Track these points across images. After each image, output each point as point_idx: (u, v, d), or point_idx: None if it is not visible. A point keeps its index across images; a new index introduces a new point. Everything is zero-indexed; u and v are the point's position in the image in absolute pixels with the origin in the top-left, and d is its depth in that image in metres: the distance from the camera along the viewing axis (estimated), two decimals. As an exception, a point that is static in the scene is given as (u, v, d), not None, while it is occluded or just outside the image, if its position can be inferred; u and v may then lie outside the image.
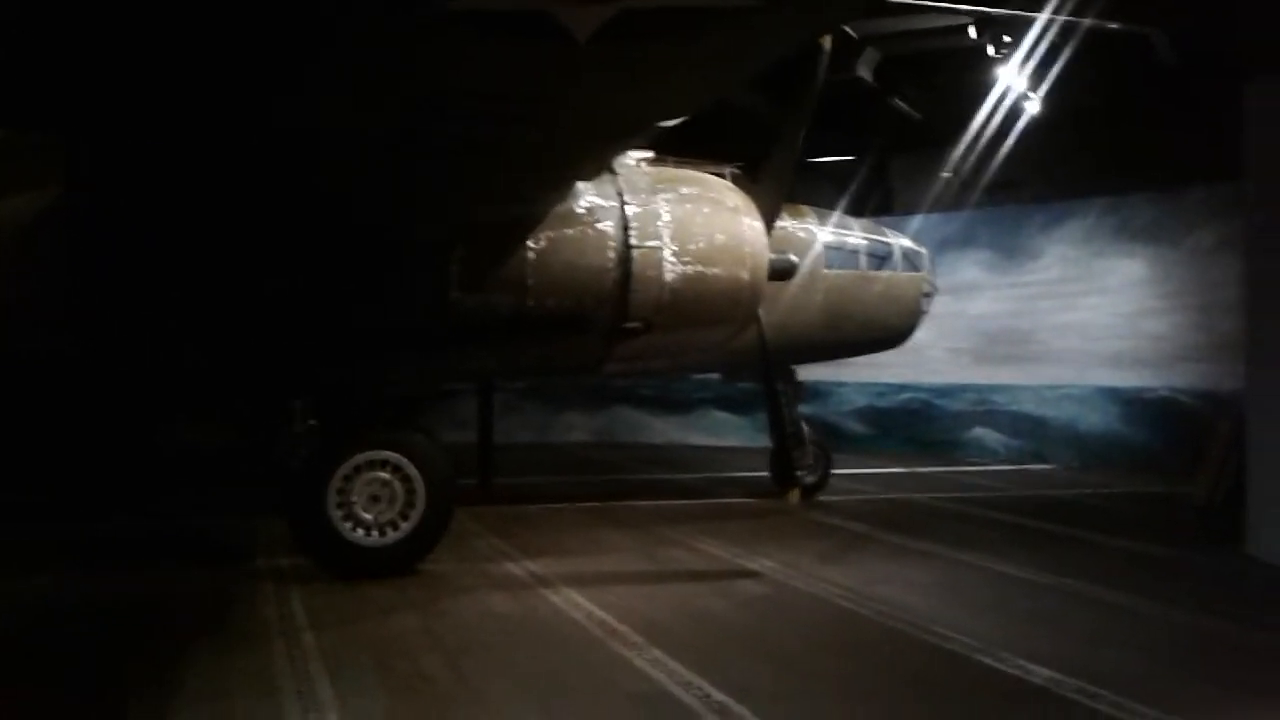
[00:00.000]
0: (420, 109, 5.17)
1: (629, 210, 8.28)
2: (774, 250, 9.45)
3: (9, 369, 7.87)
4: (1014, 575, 8.05)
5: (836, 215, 11.94)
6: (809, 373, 12.62)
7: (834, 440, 13.39)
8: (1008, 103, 14.58)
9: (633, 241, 8.19)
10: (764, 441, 12.48)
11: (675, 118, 6.40)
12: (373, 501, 7.51)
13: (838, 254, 11.53)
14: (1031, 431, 16.53)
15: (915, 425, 17.56)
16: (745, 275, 8.89)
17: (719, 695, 5.05)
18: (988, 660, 5.74)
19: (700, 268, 8.55)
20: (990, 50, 13.92)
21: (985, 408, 17.02)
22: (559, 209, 7.96)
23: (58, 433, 10.05)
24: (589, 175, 8.06)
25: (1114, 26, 12.83)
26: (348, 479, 7.46)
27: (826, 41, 9.67)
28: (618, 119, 5.93)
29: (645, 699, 5.06)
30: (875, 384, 17.56)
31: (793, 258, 10.11)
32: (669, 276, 8.33)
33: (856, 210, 13.70)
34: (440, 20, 4.09)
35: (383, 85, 4.93)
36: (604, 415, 18.84)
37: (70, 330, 7.31)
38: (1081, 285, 16.24)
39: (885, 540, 9.51)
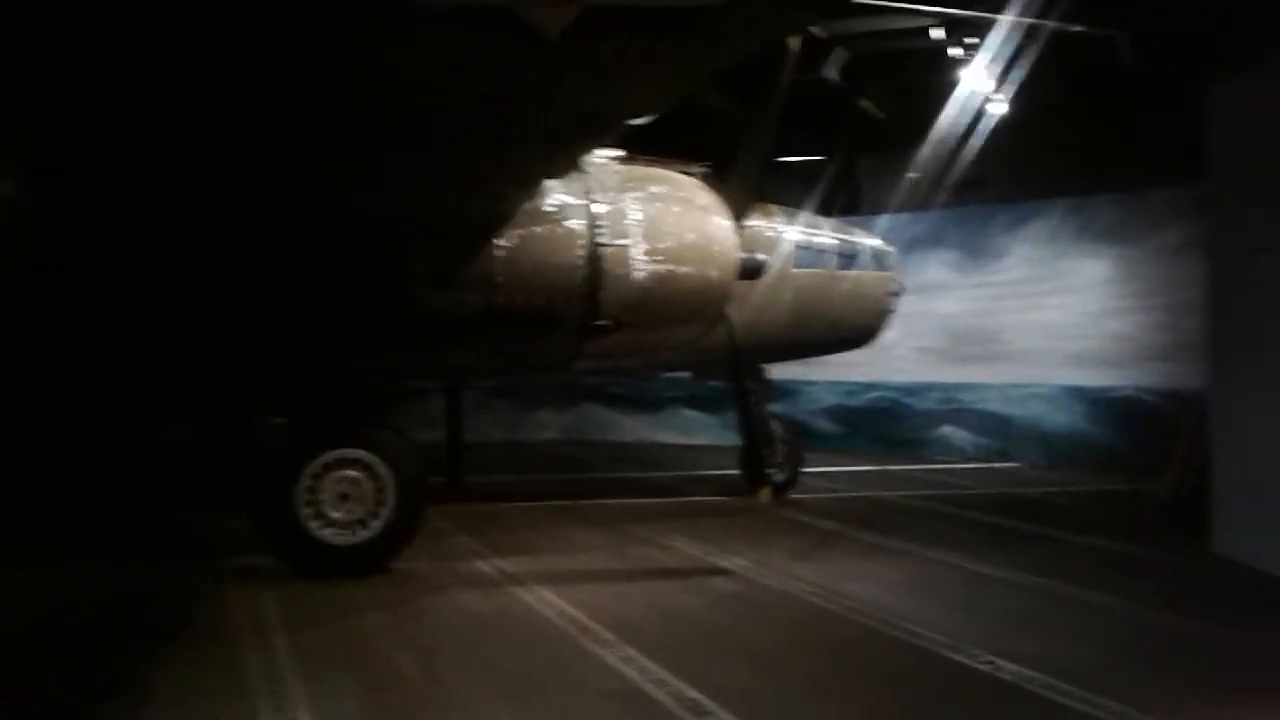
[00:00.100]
0: (389, 104, 5.15)
1: (598, 208, 8.29)
2: (743, 249, 9.48)
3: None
4: (983, 573, 8.11)
5: (805, 215, 11.98)
6: (778, 371, 12.66)
7: (803, 438, 13.43)
8: (974, 104, 14.69)
9: (602, 240, 8.19)
10: (734, 439, 12.51)
11: (644, 116, 6.42)
12: (342, 500, 7.45)
13: (806, 253, 11.56)
14: (998, 430, 16.67)
15: (884, 423, 17.66)
16: (715, 274, 8.92)
17: (691, 693, 5.06)
18: (958, 657, 5.78)
19: (670, 266, 8.57)
20: (956, 51, 14.02)
21: (952, 406, 17.15)
22: (528, 207, 7.95)
23: (47, 431, 9.90)
24: (558, 173, 8.06)
25: (1078, 28, 12.95)
26: (316, 477, 7.39)
27: (794, 42, 9.72)
28: (586, 117, 5.95)
29: (617, 697, 5.05)
30: (844, 382, 17.64)
31: (761, 257, 10.15)
32: (639, 275, 8.34)
33: (825, 210, 13.73)
34: (419, 16, 4.08)
35: (359, 79, 4.91)
36: (574, 413, 18.81)
37: (57, 329, 7.23)
38: (1047, 285, 16.40)
39: (855, 538, 9.57)
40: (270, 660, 5.54)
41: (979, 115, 14.87)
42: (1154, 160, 14.15)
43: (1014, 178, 16.45)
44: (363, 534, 7.49)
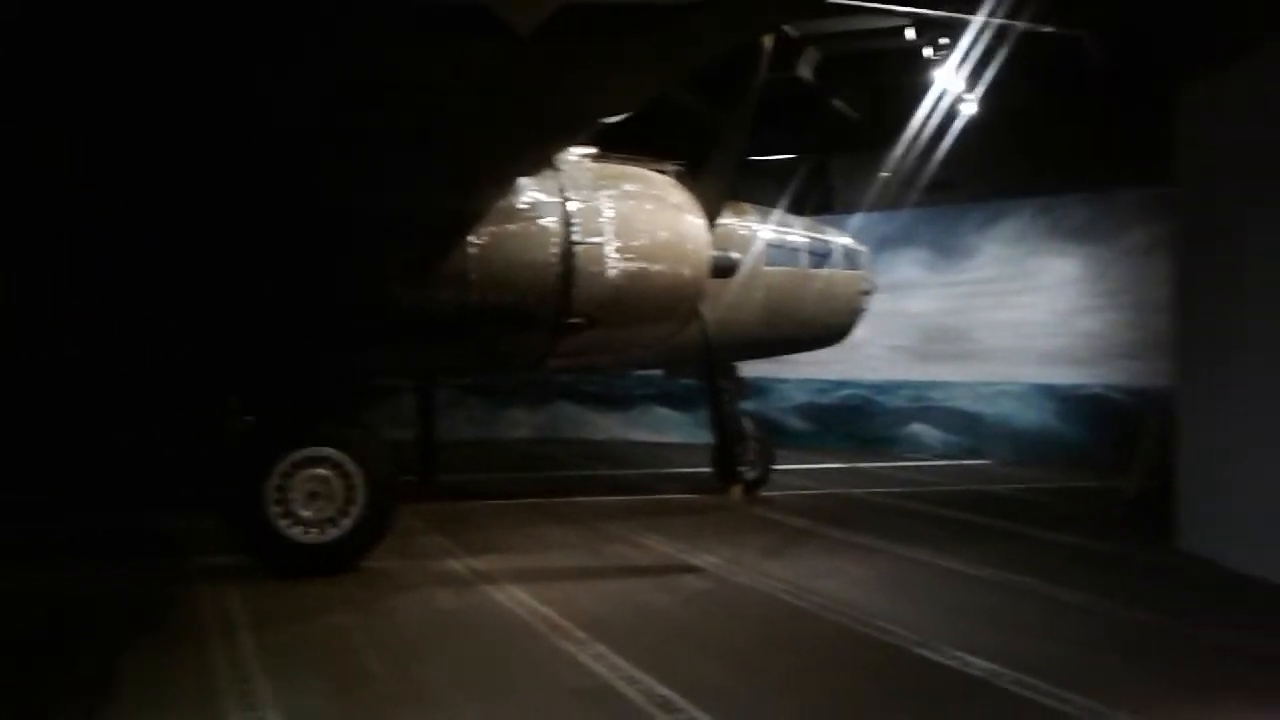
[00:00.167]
0: (364, 100, 5.13)
1: (572, 206, 8.28)
2: (716, 248, 9.50)
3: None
4: (953, 569, 8.17)
5: (777, 213, 12.02)
6: (750, 369, 12.69)
7: (775, 436, 13.47)
8: (945, 104, 14.78)
9: (576, 237, 8.18)
10: (706, 437, 12.53)
11: (617, 114, 6.42)
12: (312, 498, 7.40)
13: (779, 252, 11.60)
14: (968, 427, 16.79)
15: (855, 421, 17.75)
16: (688, 272, 8.93)
17: (663, 690, 5.07)
18: (927, 653, 5.82)
19: (643, 264, 8.57)
20: (928, 52, 14.11)
21: (923, 404, 17.26)
22: (502, 205, 7.93)
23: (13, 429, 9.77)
24: (532, 171, 8.05)
25: (1047, 30, 13.06)
26: (286, 475, 7.35)
27: (767, 41, 9.75)
28: (559, 115, 5.94)
29: (589, 694, 5.06)
30: (816, 380, 17.71)
31: (734, 255, 10.18)
32: (612, 272, 8.33)
33: (797, 209, 13.80)
34: (395, 12, 4.07)
35: (334, 74, 4.88)
36: (547, 411, 18.80)
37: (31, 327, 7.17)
38: (1017, 284, 16.54)
39: (826, 535, 9.61)
40: (239, 659, 5.50)
41: (950, 115, 14.97)
42: (1123, 160, 14.30)
43: (984, 177, 16.57)
44: (333, 532, 7.45)
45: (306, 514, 7.38)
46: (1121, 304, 15.33)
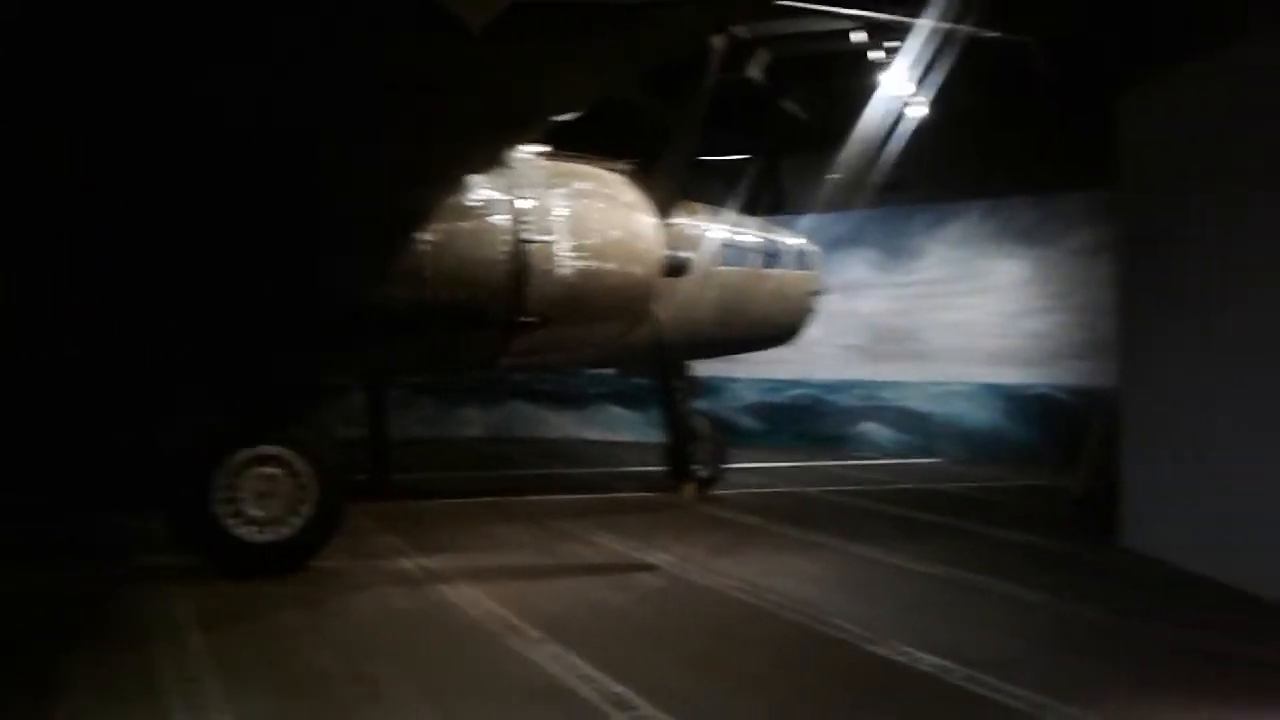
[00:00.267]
0: (314, 93, 5.08)
1: (523, 204, 8.26)
2: (668, 247, 9.53)
3: None
4: (904, 566, 8.26)
5: (729, 214, 12.07)
6: (703, 368, 12.74)
7: (727, 435, 13.53)
8: (894, 106, 14.93)
9: (527, 236, 8.16)
10: (659, 436, 12.55)
11: (569, 112, 6.42)
12: (261, 497, 7.31)
13: (730, 252, 11.65)
14: (918, 426, 16.99)
15: (806, 420, 17.88)
16: (640, 271, 8.95)
17: (617, 688, 5.07)
18: (878, 649, 5.88)
19: (596, 263, 8.58)
20: (877, 55, 14.23)
21: (874, 403, 17.43)
22: (452, 202, 7.89)
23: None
24: (482, 168, 8.02)
25: (993, 34, 13.24)
26: (234, 474, 7.25)
27: (718, 42, 9.79)
28: (510, 112, 5.93)
29: (544, 693, 5.05)
30: (767, 380, 17.81)
31: (686, 255, 10.20)
32: (564, 271, 8.33)
33: (749, 209, 13.87)
34: (346, 6, 4.04)
35: (283, 66, 4.83)
36: (500, 410, 18.74)
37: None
38: (965, 285, 16.76)
39: (779, 533, 9.67)
40: (187, 660, 5.42)
41: (899, 118, 15.12)
42: (1068, 164, 14.53)
43: (933, 179, 16.76)
44: (283, 532, 7.36)
45: (256, 513, 7.29)
46: (1067, 305, 15.60)
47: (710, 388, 15.86)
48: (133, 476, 10.01)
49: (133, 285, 7.24)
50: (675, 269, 9.87)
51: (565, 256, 8.30)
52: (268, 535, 7.32)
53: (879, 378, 17.30)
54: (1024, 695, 5.08)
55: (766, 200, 18.30)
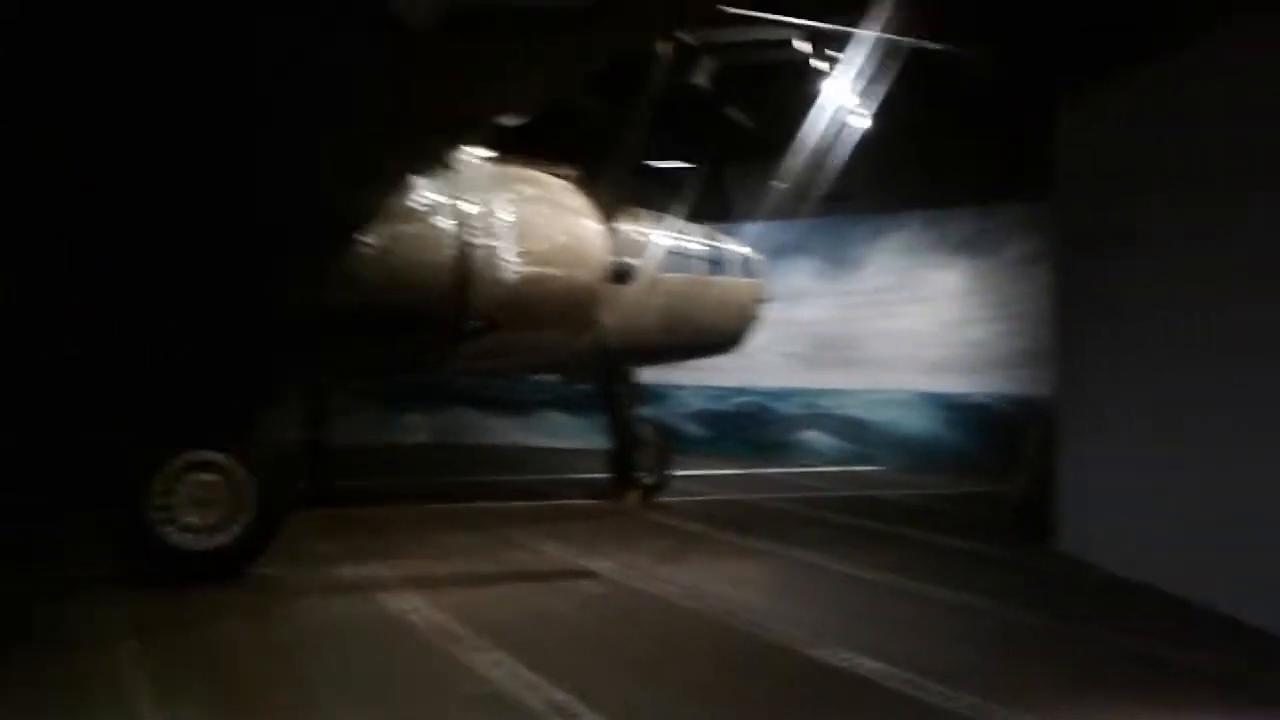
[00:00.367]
0: (253, 90, 5.00)
1: (469, 208, 8.20)
2: (613, 253, 9.52)
3: None
4: (845, 572, 8.31)
5: (675, 221, 12.10)
6: (647, 375, 12.74)
7: (672, 442, 13.54)
8: (838, 117, 15.06)
9: (472, 240, 8.11)
10: (603, 443, 12.54)
11: (513, 115, 6.39)
12: (198, 504, 7.16)
13: (676, 259, 11.67)
14: (859, 434, 17.15)
15: (751, 427, 17.98)
16: (586, 277, 8.93)
17: (560, 695, 5.03)
18: (819, 654, 5.90)
19: (541, 268, 8.54)
20: (821, 65, 14.36)
21: (816, 411, 17.58)
22: (396, 205, 7.81)
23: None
24: (426, 170, 7.95)
25: (935, 46, 13.42)
26: (170, 479, 7.09)
27: (665, 48, 9.82)
28: (454, 114, 5.88)
29: (486, 701, 4.99)
30: (712, 387, 17.88)
31: (631, 261, 10.21)
32: (509, 276, 8.28)
33: (695, 216, 13.91)
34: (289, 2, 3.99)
35: (223, 61, 4.75)
36: (443, 416, 18.60)
37: None
38: (905, 294, 16.98)
39: (722, 540, 9.69)
40: (118, 669, 5.28)
41: (842, 128, 15.26)
42: (1008, 175, 14.77)
43: (875, 189, 16.94)
44: (219, 539, 7.21)
45: (192, 520, 7.13)
46: (1006, 314, 15.84)
47: (655, 394, 15.88)
48: (75, 479, 9.78)
49: (67, 288, 7.08)
50: (621, 275, 9.87)
51: (510, 261, 8.25)
52: (204, 542, 7.17)
53: (821, 385, 17.44)
54: (964, 699, 5.12)
55: (712, 208, 18.35)
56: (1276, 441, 6.63)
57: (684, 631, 6.47)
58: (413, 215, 7.94)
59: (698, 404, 18.25)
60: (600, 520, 10.61)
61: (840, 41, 13.83)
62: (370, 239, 7.67)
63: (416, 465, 15.48)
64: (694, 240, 12.05)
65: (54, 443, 10.00)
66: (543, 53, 4.87)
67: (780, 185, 16.64)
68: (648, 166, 15.26)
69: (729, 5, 11.93)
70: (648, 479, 11.74)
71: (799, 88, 15.14)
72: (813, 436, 17.59)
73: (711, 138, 17.91)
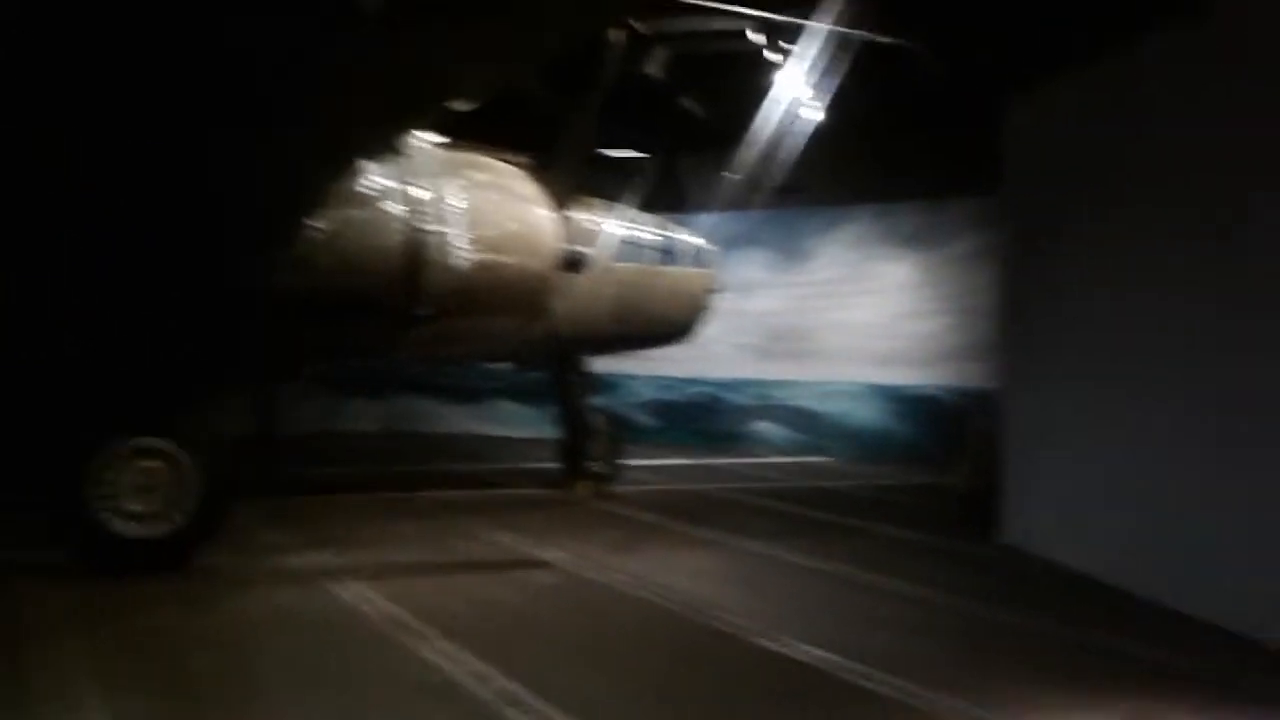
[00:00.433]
0: (199, 71, 4.92)
1: (419, 194, 8.13)
2: (565, 242, 9.49)
3: None
4: (793, 562, 8.38)
5: (628, 210, 12.08)
6: (600, 364, 12.73)
7: (624, 432, 13.55)
8: (790, 109, 15.11)
9: (422, 225, 8.03)
10: (554, 432, 12.51)
11: (464, 100, 6.34)
12: (140, 491, 7.03)
13: (628, 248, 11.65)
14: (810, 425, 17.28)
15: (702, 418, 18.04)
16: (537, 265, 8.90)
17: (509, 684, 5.02)
18: (764, 642, 5.95)
19: (492, 255, 8.50)
20: (774, 57, 14.39)
21: (767, 402, 17.68)
22: (345, 189, 7.71)
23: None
24: (376, 155, 7.86)
25: (885, 40, 13.50)
26: (112, 467, 6.96)
27: (618, 37, 9.79)
28: (404, 97, 5.81)
29: (435, 690, 4.97)
30: (664, 377, 17.91)
31: (583, 250, 10.18)
32: (460, 263, 8.23)
33: (648, 206, 13.90)
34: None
35: (168, 44, 4.66)
36: (393, 404, 18.45)
37: None
38: (856, 286, 17.11)
39: (673, 529, 9.72)
40: (62, 660, 5.19)
41: (795, 120, 15.32)
42: (958, 170, 14.91)
43: (828, 182, 17.03)
44: (164, 526, 7.08)
45: (135, 507, 7.00)
46: (954, 308, 16.02)
47: (607, 384, 15.87)
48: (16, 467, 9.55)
49: (9, 275, 6.91)
50: (572, 264, 9.84)
51: (461, 247, 8.19)
52: (148, 530, 7.03)
53: (773, 377, 17.54)
54: (905, 687, 5.19)
55: (665, 198, 18.35)
56: (1215, 436, 6.78)
57: (635, 621, 6.49)
58: (363, 200, 7.85)
59: (649, 394, 18.27)
60: (552, 510, 10.60)
61: (794, 34, 13.88)
62: (320, 224, 7.56)
63: (367, 453, 15.34)
64: (646, 230, 12.05)
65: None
66: (494, 38, 4.83)
67: (733, 176, 16.69)
68: (600, 155, 15.22)
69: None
70: (599, 468, 11.74)
71: (752, 79, 15.17)
72: (764, 427, 17.69)
73: (664, 127, 17.89)
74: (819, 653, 5.73)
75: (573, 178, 10.02)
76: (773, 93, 14.83)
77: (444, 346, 9.22)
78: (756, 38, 14.19)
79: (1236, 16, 6.79)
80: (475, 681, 5.08)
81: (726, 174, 16.71)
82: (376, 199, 7.91)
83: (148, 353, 7.53)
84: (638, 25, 13.57)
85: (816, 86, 14.70)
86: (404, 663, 5.39)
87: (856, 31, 13.16)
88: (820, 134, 15.44)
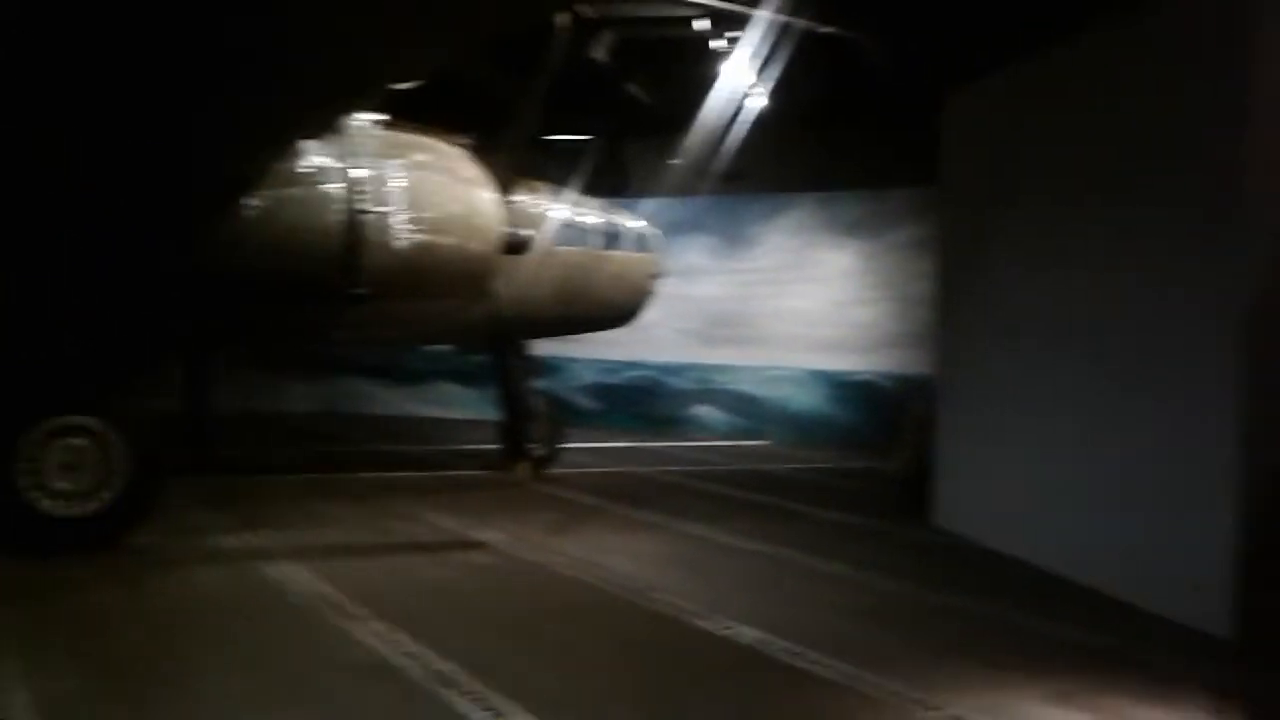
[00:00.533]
0: (134, 50, 4.83)
1: (359, 174, 8.05)
2: (508, 224, 9.46)
3: None
4: (730, 544, 8.46)
5: (571, 194, 12.06)
6: (541, 347, 12.72)
7: (565, 414, 13.56)
8: (735, 96, 15.16)
9: (361, 206, 7.96)
10: (495, 414, 12.48)
11: (404, 79, 6.28)
12: (67, 470, 6.91)
13: (571, 232, 11.64)
14: (750, 410, 17.41)
15: (643, 401, 18.09)
16: (479, 247, 8.86)
17: (442, 664, 5.02)
18: (702, 623, 6.01)
19: (433, 237, 8.44)
20: (719, 44, 14.43)
21: (708, 386, 17.78)
22: (282, 168, 7.61)
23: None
24: (315, 134, 7.77)
25: (827, 30, 13.59)
26: (38, 445, 6.82)
27: (562, 19, 9.75)
28: (344, 74, 5.75)
29: (366, 670, 4.96)
30: (605, 360, 17.93)
31: (526, 232, 10.15)
32: (400, 244, 8.17)
33: (591, 190, 13.88)
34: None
35: (104, 25, 4.57)
36: (332, 385, 18.27)
37: None
38: (797, 274, 17.25)
39: (612, 512, 9.76)
40: (-18, 642, 5.11)
41: (739, 108, 15.38)
42: (898, 160, 15.08)
43: (770, 170, 17.13)
44: (91, 506, 6.96)
45: (62, 486, 6.88)
46: (892, 296, 16.24)
47: (549, 367, 15.86)
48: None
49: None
50: (515, 247, 9.81)
51: (401, 229, 8.14)
52: (76, 509, 6.91)
53: (714, 361, 17.64)
54: (838, 666, 5.27)
55: (609, 182, 18.32)
56: (1134, 423, 6.96)
57: (572, 603, 6.51)
58: (300, 180, 7.76)
59: (590, 377, 18.28)
60: (490, 491, 10.58)
61: (739, 22, 13.92)
62: (255, 203, 7.46)
63: (305, 434, 15.20)
64: (590, 214, 12.04)
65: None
66: (438, 15, 4.80)
67: (677, 162, 16.72)
68: (545, 139, 15.17)
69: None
70: (539, 451, 11.73)
71: (698, 66, 15.20)
72: (704, 411, 17.79)
73: (609, 112, 17.86)
74: (758, 634, 5.80)
75: (516, 160, 9.98)
76: (718, 80, 14.89)
77: (383, 328, 9.16)
78: (702, 25, 14.21)
79: (1170, 13, 6.94)
80: (408, 661, 5.07)
81: (671, 159, 16.74)
82: (314, 179, 7.83)
83: (75, 331, 7.39)
84: (583, 9, 13.53)
85: (761, 74, 14.78)
86: (337, 643, 5.37)
87: (801, 21, 13.23)
88: (764, 121, 15.52)
